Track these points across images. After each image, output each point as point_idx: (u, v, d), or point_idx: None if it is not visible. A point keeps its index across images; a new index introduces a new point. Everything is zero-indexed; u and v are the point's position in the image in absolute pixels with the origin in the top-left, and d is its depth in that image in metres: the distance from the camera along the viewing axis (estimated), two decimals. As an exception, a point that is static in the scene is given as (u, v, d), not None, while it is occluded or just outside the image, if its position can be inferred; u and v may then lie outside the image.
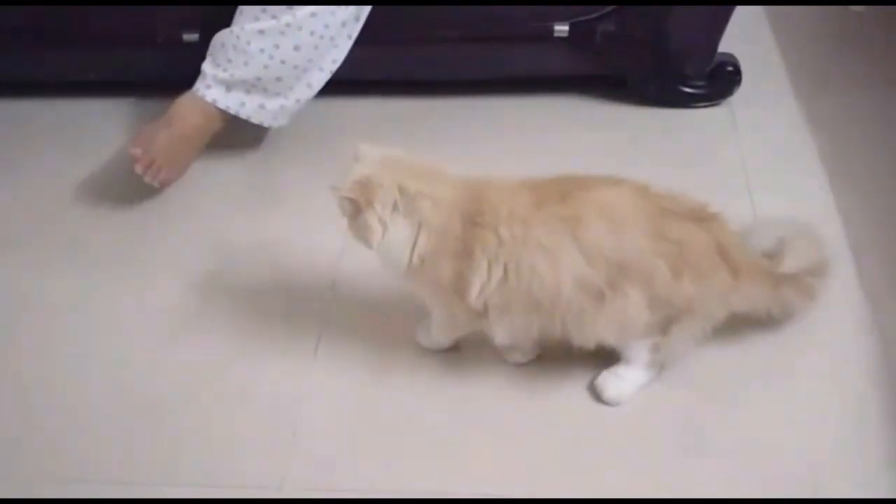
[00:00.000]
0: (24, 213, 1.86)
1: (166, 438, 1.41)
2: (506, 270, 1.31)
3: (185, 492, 1.33)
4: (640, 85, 2.02)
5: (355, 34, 1.82)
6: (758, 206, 1.75)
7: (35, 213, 1.85)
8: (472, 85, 2.07)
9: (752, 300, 1.40)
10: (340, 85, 1.98)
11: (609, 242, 1.30)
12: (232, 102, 1.81)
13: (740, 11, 1.93)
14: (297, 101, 1.85)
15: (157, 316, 1.61)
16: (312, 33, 1.76)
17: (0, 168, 1.97)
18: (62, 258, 1.74)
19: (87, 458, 1.39)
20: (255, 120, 1.84)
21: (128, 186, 1.87)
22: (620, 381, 1.41)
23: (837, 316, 1.52)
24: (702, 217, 1.36)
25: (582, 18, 1.93)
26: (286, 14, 1.74)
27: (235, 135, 1.90)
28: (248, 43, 1.76)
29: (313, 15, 1.75)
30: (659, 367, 1.42)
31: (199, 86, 1.81)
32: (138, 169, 1.77)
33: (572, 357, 1.42)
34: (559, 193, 1.33)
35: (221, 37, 1.79)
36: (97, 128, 2.04)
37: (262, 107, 1.83)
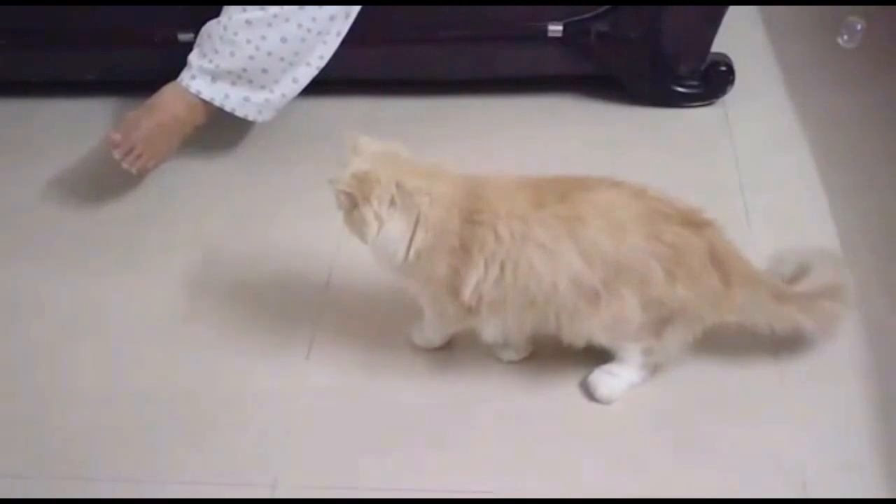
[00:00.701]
0: (22, 213, 1.86)
1: (159, 437, 1.41)
2: (503, 268, 1.32)
3: (178, 490, 1.33)
4: (634, 84, 2.03)
5: (344, 31, 1.82)
6: (750, 204, 1.76)
7: (32, 214, 1.86)
8: (466, 84, 2.07)
9: (746, 310, 1.38)
10: (334, 84, 1.99)
11: (607, 243, 1.30)
12: (216, 94, 1.80)
13: (734, 11, 1.94)
14: (283, 95, 1.85)
15: (151, 316, 1.61)
16: (300, 26, 1.77)
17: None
18: (58, 258, 1.74)
19: (80, 456, 1.39)
20: (239, 113, 1.84)
21: (122, 186, 1.88)
22: (613, 379, 1.42)
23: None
24: (696, 222, 1.36)
25: (576, 18, 1.94)
26: (273, 5, 1.74)
27: (224, 135, 1.91)
28: (235, 33, 1.76)
29: (301, 8, 1.75)
30: (652, 369, 1.43)
31: (184, 76, 1.80)
32: (116, 154, 1.77)
33: (565, 355, 1.42)
34: (559, 193, 1.34)
35: (209, 27, 1.80)
36: (92, 128, 2.04)
37: (246, 100, 1.83)
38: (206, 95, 1.80)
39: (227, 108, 1.83)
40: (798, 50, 2.21)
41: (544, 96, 2.07)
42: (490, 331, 1.39)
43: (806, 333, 1.40)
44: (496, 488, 1.32)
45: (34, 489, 1.35)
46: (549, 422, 1.41)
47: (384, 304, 1.58)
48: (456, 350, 1.50)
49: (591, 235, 1.30)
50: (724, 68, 2.00)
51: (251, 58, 1.78)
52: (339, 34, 1.82)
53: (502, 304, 1.34)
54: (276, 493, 1.33)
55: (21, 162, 1.99)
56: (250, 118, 1.86)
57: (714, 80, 2.01)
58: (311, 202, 1.81)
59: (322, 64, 1.84)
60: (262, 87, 1.83)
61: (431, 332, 1.48)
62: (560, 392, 1.44)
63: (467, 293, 1.34)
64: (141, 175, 1.84)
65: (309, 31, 1.78)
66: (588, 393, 1.42)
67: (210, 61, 1.79)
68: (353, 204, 1.31)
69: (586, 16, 1.93)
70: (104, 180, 1.90)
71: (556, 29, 1.93)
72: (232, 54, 1.77)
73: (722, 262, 1.36)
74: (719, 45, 1.98)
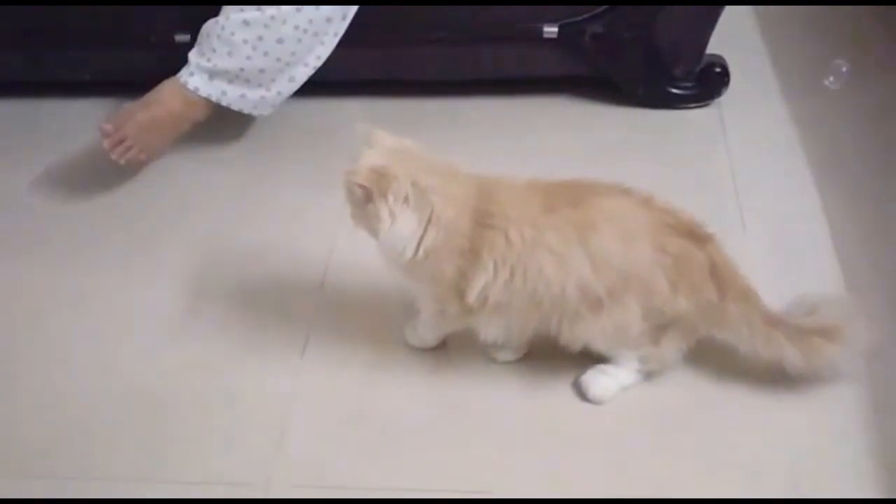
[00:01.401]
0: (20, 212, 1.86)
1: (153, 436, 1.42)
2: (513, 272, 1.32)
3: (172, 489, 1.33)
4: (629, 86, 2.03)
5: (341, 32, 1.83)
6: (745, 206, 1.76)
7: (29, 213, 1.86)
8: (461, 85, 2.07)
9: (737, 325, 1.37)
10: (330, 85, 1.99)
11: (617, 251, 1.31)
12: (213, 91, 1.82)
13: (729, 13, 1.94)
14: (279, 93, 1.86)
15: (146, 316, 1.62)
16: (296, 27, 1.78)
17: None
18: (55, 259, 1.74)
19: (75, 456, 1.39)
20: (235, 107, 1.86)
21: (118, 187, 1.88)
22: (606, 379, 1.42)
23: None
24: (699, 236, 1.37)
25: (571, 20, 1.94)
26: (270, 6, 1.76)
27: (221, 135, 1.91)
28: (233, 34, 1.77)
29: (298, 10, 1.76)
30: (646, 375, 1.43)
31: (183, 73, 1.82)
32: (105, 144, 1.79)
33: (559, 356, 1.42)
34: (570, 197, 1.34)
35: (208, 27, 1.81)
36: (89, 128, 2.04)
37: (243, 97, 1.85)
38: (203, 92, 1.82)
39: (224, 104, 1.85)
40: (792, 51, 2.21)
41: (539, 98, 2.08)
42: (492, 332, 1.40)
43: (787, 365, 1.37)
44: (491, 488, 1.32)
45: (32, 489, 1.35)
46: (542, 422, 1.41)
47: (379, 304, 1.59)
48: (450, 350, 1.51)
49: (602, 242, 1.31)
50: (718, 70, 2.01)
51: (248, 58, 1.79)
52: (336, 35, 1.83)
53: (508, 306, 1.35)
54: (270, 492, 1.33)
55: (21, 162, 1.99)
56: (246, 111, 1.88)
57: (709, 82, 2.02)
58: (307, 202, 1.83)
59: (319, 64, 1.85)
60: (259, 86, 1.84)
61: (427, 331, 1.48)
62: (554, 392, 1.44)
63: (473, 295, 1.34)
64: (133, 169, 1.86)
65: (305, 31, 1.79)
66: (581, 393, 1.43)
67: (208, 60, 1.80)
68: (367, 198, 1.30)
69: (581, 17, 1.94)
70: (98, 182, 1.90)
71: (551, 30, 1.94)
72: (229, 54, 1.79)
73: (720, 278, 1.36)
74: (714, 46, 1.98)
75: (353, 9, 1.82)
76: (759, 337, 1.37)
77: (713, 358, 1.45)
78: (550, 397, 1.44)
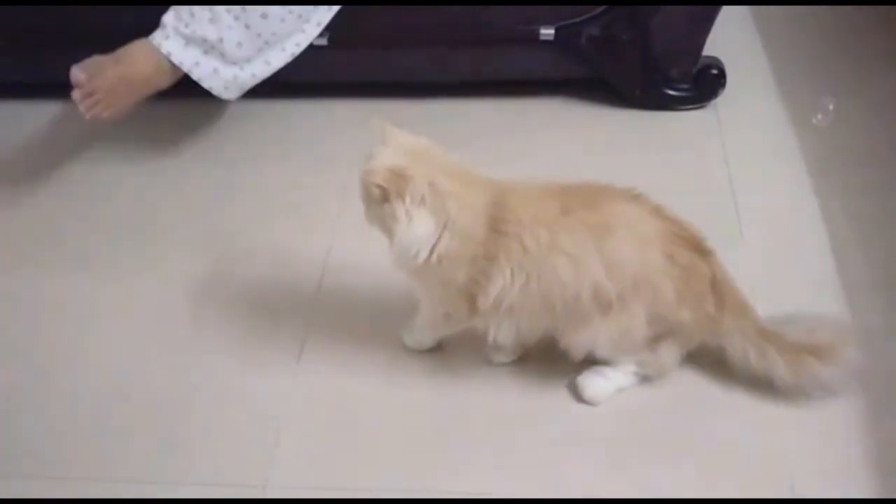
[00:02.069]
0: (21, 212, 1.87)
1: (150, 438, 1.42)
2: (528, 276, 1.32)
3: (169, 490, 1.34)
4: (626, 88, 2.03)
5: (325, 22, 1.81)
6: (741, 207, 1.76)
7: (29, 214, 1.86)
8: (458, 87, 2.08)
9: (731, 337, 1.39)
10: (328, 86, 1.99)
11: (631, 255, 1.32)
12: (186, 58, 1.76)
13: (725, 14, 1.94)
14: (253, 75, 1.82)
15: (142, 317, 1.62)
16: (283, 7, 1.76)
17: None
18: (53, 260, 1.75)
19: (72, 457, 1.40)
20: (205, 84, 1.80)
21: (116, 188, 1.89)
22: (602, 381, 1.43)
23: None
24: (703, 249, 1.38)
25: (568, 22, 1.94)
26: (259, 5, 1.73)
27: (219, 136, 1.91)
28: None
29: None
30: (642, 378, 1.44)
31: (157, 35, 1.77)
32: (75, 95, 1.73)
33: (555, 357, 1.42)
34: (585, 200, 1.35)
35: None
36: (85, 129, 2.04)
37: (215, 72, 1.79)
38: (175, 58, 1.76)
39: (195, 76, 1.79)
40: (789, 52, 2.21)
41: (536, 100, 2.08)
42: (503, 334, 1.39)
43: (776, 379, 1.38)
44: (486, 488, 1.33)
45: (30, 489, 1.35)
46: (537, 423, 1.41)
47: (375, 307, 1.59)
48: (446, 352, 1.51)
49: (616, 246, 1.31)
50: (715, 71, 2.01)
51: (229, 27, 1.75)
52: (318, 25, 1.81)
53: (521, 309, 1.35)
54: (267, 493, 1.33)
55: (19, 163, 1.99)
56: (215, 92, 1.82)
57: (705, 84, 2.02)
58: (305, 203, 1.83)
59: (297, 52, 1.82)
60: (234, 63, 1.80)
61: (425, 333, 1.49)
62: (549, 393, 1.45)
63: (488, 300, 1.34)
64: (93, 123, 1.79)
65: (290, 12, 1.76)
66: (576, 394, 1.43)
67: (186, 25, 1.75)
68: (384, 198, 1.29)
69: (578, 19, 1.94)
70: (93, 184, 1.91)
71: (547, 32, 1.94)
72: (211, 21, 1.74)
73: (719, 291, 1.38)
74: (711, 48, 1.98)
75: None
76: (752, 349, 1.38)
77: (711, 358, 1.45)
78: (547, 398, 1.44)
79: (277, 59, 1.82)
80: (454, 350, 1.51)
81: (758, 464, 1.34)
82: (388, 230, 1.32)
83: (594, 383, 1.42)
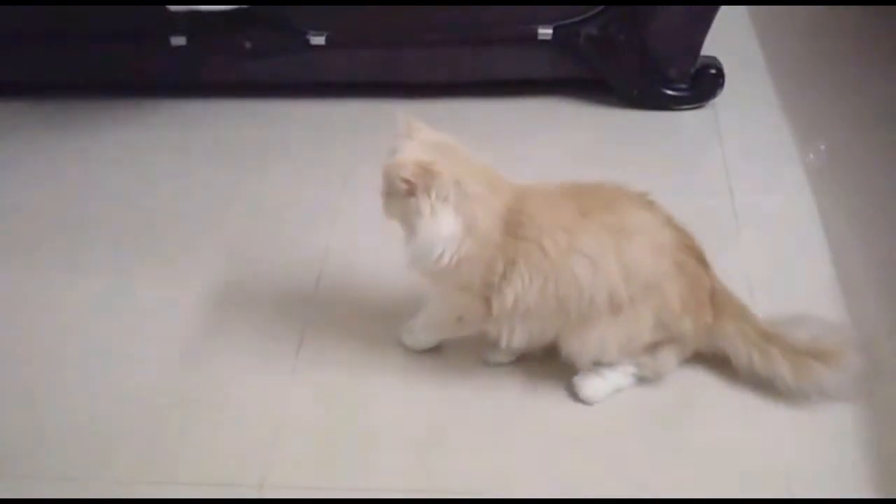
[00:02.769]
0: (21, 213, 1.87)
1: (147, 437, 1.42)
2: (546, 279, 1.32)
3: (166, 490, 1.34)
4: (624, 88, 2.04)
5: None
6: (739, 207, 1.76)
7: (28, 214, 1.86)
8: (456, 88, 2.08)
9: (732, 341, 1.39)
10: (329, 86, 1.99)
11: (647, 261, 1.33)
12: None
13: (723, 15, 1.94)
14: None
15: (140, 319, 1.62)
16: None
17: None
18: (51, 260, 1.74)
19: (68, 457, 1.39)
20: None
21: (114, 189, 1.88)
22: (599, 381, 1.42)
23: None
24: (704, 260, 1.40)
25: (566, 22, 1.94)
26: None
27: (218, 136, 1.90)
28: None
29: None
30: (639, 379, 1.44)
31: None
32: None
33: (552, 358, 1.42)
34: (603, 202, 1.35)
35: None
36: (85, 129, 2.04)
37: None
38: None
39: None
40: (787, 52, 2.22)
41: (534, 99, 2.08)
42: (517, 337, 1.38)
43: (778, 382, 1.38)
44: (482, 489, 1.33)
45: (32, 489, 1.35)
46: (535, 423, 1.41)
47: (373, 306, 1.59)
48: (444, 352, 1.51)
49: (634, 250, 1.32)
50: (713, 71, 2.01)
51: None
52: None
53: (536, 312, 1.34)
54: (263, 493, 1.33)
55: (19, 163, 1.99)
56: None
57: (704, 84, 2.02)
58: (304, 202, 1.83)
59: None
60: None
61: (433, 334, 1.48)
62: (546, 394, 1.44)
63: (507, 304, 1.33)
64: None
65: None
66: (573, 393, 1.43)
67: None
68: (410, 192, 1.28)
69: (576, 19, 1.94)
70: (91, 184, 1.91)
71: (545, 32, 1.94)
72: None
73: (717, 303, 1.39)
74: (709, 48, 1.98)
75: None
76: (756, 352, 1.38)
77: (710, 358, 1.45)
78: (545, 398, 1.44)
79: None
80: (452, 351, 1.50)
81: (757, 463, 1.34)
82: (411, 225, 1.31)
83: (591, 383, 1.42)
